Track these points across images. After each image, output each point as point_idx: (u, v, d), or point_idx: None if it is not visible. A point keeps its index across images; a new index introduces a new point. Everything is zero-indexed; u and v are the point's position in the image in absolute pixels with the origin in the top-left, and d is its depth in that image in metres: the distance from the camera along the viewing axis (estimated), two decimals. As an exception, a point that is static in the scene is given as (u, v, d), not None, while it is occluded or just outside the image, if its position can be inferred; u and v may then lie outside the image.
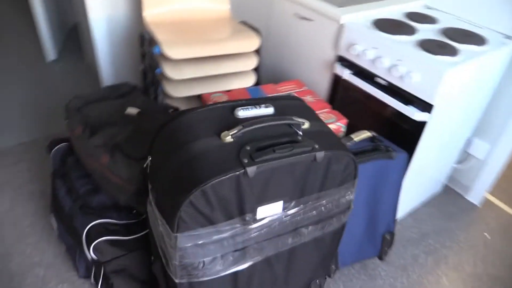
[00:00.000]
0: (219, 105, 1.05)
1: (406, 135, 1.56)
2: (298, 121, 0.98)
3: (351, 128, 1.77)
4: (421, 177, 1.76)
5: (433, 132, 1.55)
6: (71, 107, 1.58)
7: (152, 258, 1.26)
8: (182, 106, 1.80)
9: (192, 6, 1.92)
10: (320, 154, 0.94)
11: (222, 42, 1.67)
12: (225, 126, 0.98)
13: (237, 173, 0.87)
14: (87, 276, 1.50)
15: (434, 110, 1.45)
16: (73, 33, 3.52)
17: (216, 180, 0.86)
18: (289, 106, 1.10)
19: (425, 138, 1.53)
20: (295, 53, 1.99)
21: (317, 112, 1.63)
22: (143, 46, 1.83)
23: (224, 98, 1.67)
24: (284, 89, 1.79)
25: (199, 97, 1.77)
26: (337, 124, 1.61)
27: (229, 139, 0.94)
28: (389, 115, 1.60)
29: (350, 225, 1.45)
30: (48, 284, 1.50)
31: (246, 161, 0.88)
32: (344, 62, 1.72)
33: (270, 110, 1.03)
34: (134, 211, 1.46)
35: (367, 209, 1.48)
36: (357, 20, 1.70)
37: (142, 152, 1.34)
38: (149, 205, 1.11)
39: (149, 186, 1.09)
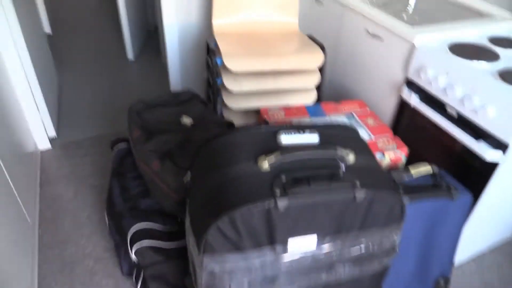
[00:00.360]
0: (263, 128, 1.02)
1: (474, 174, 1.40)
2: (342, 154, 0.92)
3: (412, 158, 1.65)
4: (488, 220, 1.58)
5: (507, 174, 1.38)
6: (132, 111, 1.65)
7: (188, 270, 1.27)
8: (239, 118, 1.79)
9: (260, 17, 1.92)
10: (360, 194, 0.87)
11: (284, 58, 1.64)
12: (265, 151, 0.94)
13: (267, 204, 0.83)
14: (130, 275, 1.55)
15: (509, 150, 1.29)
16: (154, 34, 3.71)
17: (245, 209, 0.83)
18: (338, 136, 1.04)
19: (496, 180, 1.37)
20: (362, 71, 1.90)
21: (377, 137, 1.54)
22: (208, 54, 1.85)
23: (282, 114, 1.64)
24: (345, 109, 1.71)
25: (257, 110, 1.75)
26: (396, 153, 1.50)
27: (266, 166, 0.90)
28: (457, 150, 1.45)
29: (397, 264, 1.34)
30: (95, 276, 1.58)
31: (278, 192, 0.84)
32: (413, 86, 1.60)
33: (314, 138, 0.98)
34: (179, 219, 1.48)
35: (419, 250, 1.36)
36: (432, 42, 1.56)
37: (190, 163, 1.36)
38: (186, 219, 1.11)
39: (187, 201, 1.09)
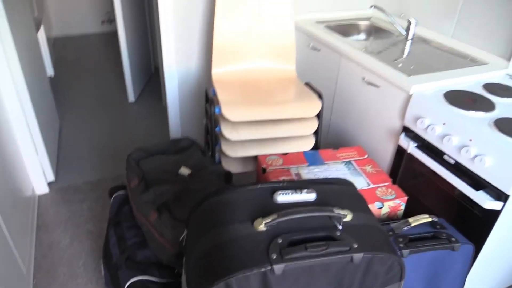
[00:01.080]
0: (260, 186, 1.02)
1: (475, 223, 1.39)
2: (339, 214, 0.91)
3: (412, 206, 1.64)
4: (492, 268, 1.55)
5: (508, 223, 1.37)
6: (131, 159, 1.65)
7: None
8: (238, 165, 1.79)
9: (258, 65, 1.96)
10: (358, 256, 0.85)
11: (281, 106, 1.66)
12: (262, 211, 0.94)
13: (264, 269, 0.82)
14: (125, 329, 1.51)
15: (510, 200, 1.28)
16: (155, 75, 3.78)
17: (241, 275, 0.81)
18: (335, 192, 1.04)
19: (498, 229, 1.35)
20: (359, 118, 1.92)
21: (375, 185, 1.54)
22: (207, 102, 1.88)
23: (280, 161, 1.64)
24: (343, 156, 1.71)
25: (255, 157, 1.76)
26: (395, 202, 1.49)
27: (262, 227, 0.89)
28: (457, 198, 1.45)
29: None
30: (89, 331, 1.54)
31: (274, 257, 0.83)
32: (410, 133, 1.61)
33: (311, 196, 0.97)
34: (176, 270, 1.45)
35: (422, 303, 1.32)
36: (428, 90, 1.59)
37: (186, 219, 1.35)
38: (183, 276, 1.09)
39: (184, 258, 1.07)
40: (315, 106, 1.71)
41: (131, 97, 3.26)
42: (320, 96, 1.78)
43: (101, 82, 3.59)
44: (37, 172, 2.14)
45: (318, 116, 1.77)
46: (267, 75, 1.96)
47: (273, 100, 1.72)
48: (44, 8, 4.07)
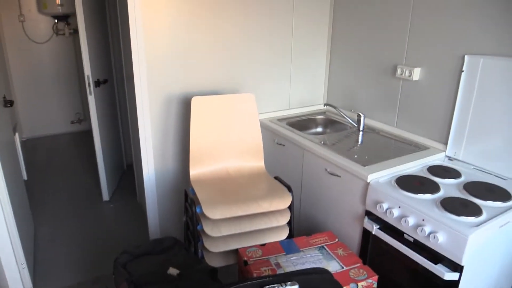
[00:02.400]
0: (249, 282, 1.15)
1: (440, 294, 1.55)
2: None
3: (384, 283, 1.79)
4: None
5: (467, 291, 1.54)
6: (118, 263, 1.73)
7: None
8: (220, 259, 1.91)
9: (231, 164, 2.17)
10: None
11: (256, 202, 1.84)
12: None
13: None
14: None
15: (464, 271, 1.47)
16: (129, 172, 3.90)
17: None
18: (315, 281, 1.19)
19: (460, 297, 1.52)
20: (327, 205, 2.12)
21: (348, 267, 1.69)
22: (187, 202, 2.03)
23: (259, 252, 1.78)
24: (316, 242, 1.87)
25: (236, 250, 1.89)
26: (368, 282, 1.64)
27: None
28: (421, 272, 1.62)
29: None
30: None
31: None
32: (372, 216, 1.82)
33: (295, 288, 1.12)
34: None
35: None
36: (382, 177, 1.83)
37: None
38: None
39: None
40: (286, 199, 1.90)
41: (106, 195, 3.34)
42: (289, 189, 1.99)
43: (74, 182, 3.66)
44: (16, 283, 2.14)
45: (290, 207, 1.96)
46: (240, 172, 2.16)
47: (248, 196, 1.91)
48: (15, 111, 4.22)
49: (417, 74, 2.17)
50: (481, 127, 1.91)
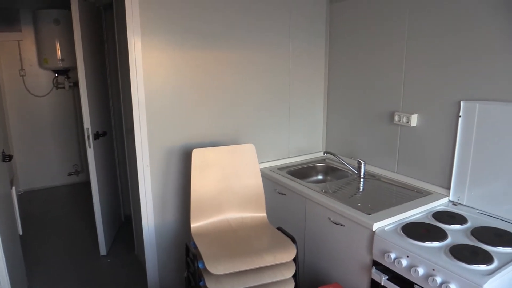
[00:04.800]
0: None
1: None
2: None
3: None
4: None
5: None
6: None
7: None
8: (223, 316, 1.83)
9: (233, 215, 2.14)
10: None
11: (260, 256, 1.79)
12: None
13: None
14: None
15: (479, 324, 1.41)
16: (126, 225, 3.82)
17: None
18: None
19: None
20: (332, 255, 2.07)
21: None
22: (188, 256, 1.97)
23: (264, 308, 1.71)
24: (323, 295, 1.81)
25: (240, 306, 1.81)
26: (380, 338, 1.56)
27: None
28: (434, 326, 1.55)
29: None
30: None
31: None
32: (380, 266, 1.77)
33: None
34: None
35: None
36: (387, 226, 1.80)
37: None
38: None
39: None
40: (291, 251, 1.85)
41: (103, 249, 3.25)
42: (293, 240, 1.94)
43: (70, 236, 3.58)
44: None
45: (295, 259, 1.91)
46: (242, 224, 2.12)
47: (251, 249, 1.86)
48: (12, 164, 4.20)
49: (414, 120, 2.20)
50: (483, 170, 1.91)
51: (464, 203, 2.01)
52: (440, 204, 2.04)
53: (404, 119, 2.23)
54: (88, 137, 2.95)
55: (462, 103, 1.95)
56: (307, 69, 2.72)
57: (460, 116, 1.97)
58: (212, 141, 2.44)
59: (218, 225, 2.08)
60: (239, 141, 2.53)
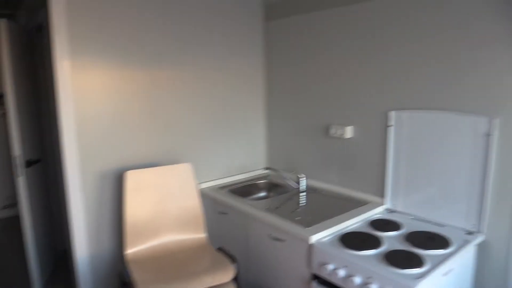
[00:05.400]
0: None
1: None
2: None
3: None
4: None
5: None
6: None
7: None
8: None
9: (171, 238, 2.06)
10: None
11: (199, 278, 1.73)
12: None
13: None
14: None
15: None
16: (62, 260, 3.59)
17: None
18: None
19: None
20: (274, 272, 2.03)
21: None
22: (121, 286, 1.86)
23: (205, 333, 1.63)
24: (265, 313, 1.76)
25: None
26: None
27: None
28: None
29: None
30: None
31: None
32: (320, 279, 1.75)
33: None
34: None
35: None
36: (325, 237, 1.80)
37: None
38: None
39: None
40: (229, 272, 1.80)
41: (37, 285, 3.01)
42: (233, 259, 1.89)
43: (1, 275, 3.29)
44: None
45: (236, 279, 1.85)
46: (181, 246, 2.05)
47: (190, 272, 1.79)
48: None
49: (348, 132, 2.25)
50: (415, 177, 1.97)
51: (400, 210, 2.07)
52: (377, 212, 2.08)
53: (339, 131, 2.28)
54: (18, 165, 2.76)
55: (390, 113, 2.03)
56: (246, 85, 2.72)
57: (389, 126, 2.04)
58: (150, 162, 2.35)
59: (155, 249, 2.00)
60: (178, 161, 2.46)
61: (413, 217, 1.99)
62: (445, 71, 1.81)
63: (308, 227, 1.85)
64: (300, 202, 2.24)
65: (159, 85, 2.33)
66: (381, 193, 2.14)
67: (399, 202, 2.07)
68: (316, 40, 2.38)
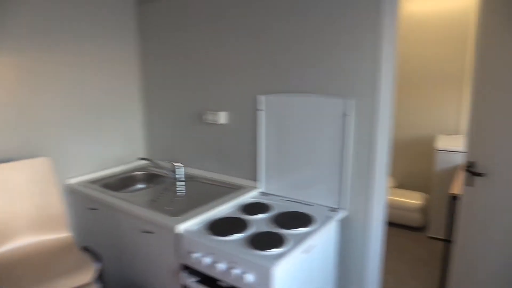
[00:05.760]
0: None
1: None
2: None
3: None
4: None
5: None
6: None
7: None
8: None
9: (27, 242, 1.86)
10: None
11: (53, 282, 1.58)
12: None
13: None
14: None
15: (277, 309, 1.44)
16: None
17: None
18: None
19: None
20: (145, 266, 1.95)
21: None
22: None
23: None
24: (134, 311, 1.68)
25: None
26: None
27: None
28: (239, 319, 1.55)
29: None
30: None
31: None
32: (189, 269, 1.71)
33: None
34: None
35: None
36: (194, 226, 1.75)
37: None
38: None
39: None
40: (89, 272, 1.68)
41: None
42: (98, 258, 1.77)
43: None
44: None
45: (101, 277, 1.74)
46: (41, 249, 1.86)
47: (45, 276, 1.63)
48: None
49: (222, 117, 2.23)
50: (285, 160, 2.01)
51: (273, 193, 2.11)
52: (251, 196, 2.09)
53: (213, 117, 2.25)
54: None
55: (259, 97, 2.04)
56: (119, 74, 2.55)
57: (259, 110, 2.05)
58: (2, 158, 2.08)
59: (7, 256, 1.79)
60: (37, 156, 2.20)
61: (284, 199, 2.04)
62: (308, 55, 1.86)
63: (176, 216, 1.79)
64: (178, 191, 2.18)
65: (10, 73, 2.06)
66: (255, 177, 2.16)
67: (272, 185, 2.10)
68: (188, 26, 2.30)
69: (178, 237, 1.72)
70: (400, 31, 3.58)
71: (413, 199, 3.43)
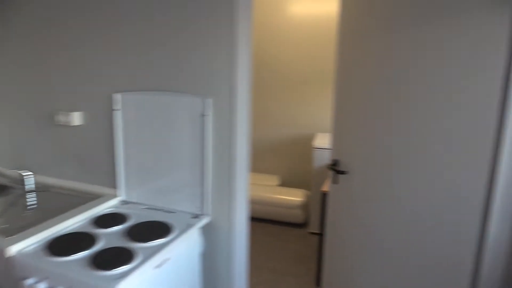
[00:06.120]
0: None
1: None
2: None
3: None
4: None
5: None
6: None
7: None
8: None
9: None
10: None
11: None
12: None
13: None
14: None
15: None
16: None
17: None
18: None
19: None
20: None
21: None
22: None
23: None
24: None
25: None
26: None
27: None
28: None
29: None
30: None
31: None
32: (24, 296, 1.48)
33: None
34: None
35: None
36: (30, 246, 1.52)
37: None
38: None
39: None
40: None
41: None
42: None
43: None
44: None
45: None
46: None
47: None
48: None
49: (77, 118, 2.00)
50: (146, 164, 1.87)
51: (134, 201, 1.95)
52: (110, 206, 1.91)
53: (66, 118, 2.01)
54: None
55: (116, 96, 1.86)
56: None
57: (115, 110, 1.87)
58: None
59: None
60: None
61: (146, 207, 1.90)
62: (165, 52, 1.73)
63: (11, 236, 1.54)
64: (28, 204, 1.90)
65: None
66: (115, 185, 1.98)
67: (133, 193, 1.94)
68: (44, 15, 2.01)
69: (9, 260, 1.48)
70: (272, 32, 3.63)
71: (295, 197, 3.51)
